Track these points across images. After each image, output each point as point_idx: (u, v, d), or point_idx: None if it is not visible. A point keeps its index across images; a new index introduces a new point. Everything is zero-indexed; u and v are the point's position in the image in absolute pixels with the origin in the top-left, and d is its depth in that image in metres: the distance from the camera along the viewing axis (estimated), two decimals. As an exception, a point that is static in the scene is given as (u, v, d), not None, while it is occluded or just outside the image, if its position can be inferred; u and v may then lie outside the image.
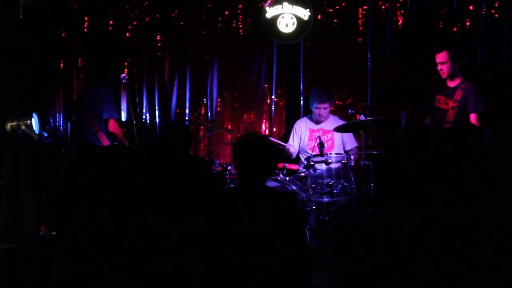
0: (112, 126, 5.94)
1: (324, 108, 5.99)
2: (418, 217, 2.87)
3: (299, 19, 6.60)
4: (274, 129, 6.93)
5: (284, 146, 6.09)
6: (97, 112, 5.92)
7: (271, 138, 6.14)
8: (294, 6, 6.60)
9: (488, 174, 2.82)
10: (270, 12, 6.64)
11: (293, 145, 6.17)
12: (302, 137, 6.18)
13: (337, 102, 6.71)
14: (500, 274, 2.59)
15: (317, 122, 6.12)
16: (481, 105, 5.39)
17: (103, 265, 3.62)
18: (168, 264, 4.08)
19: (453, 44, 5.63)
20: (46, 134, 6.05)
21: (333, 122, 6.00)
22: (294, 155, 6.18)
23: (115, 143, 5.81)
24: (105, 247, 3.66)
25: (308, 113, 6.35)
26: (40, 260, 3.94)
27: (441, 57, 5.53)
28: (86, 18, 6.92)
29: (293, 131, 6.27)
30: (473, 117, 5.38)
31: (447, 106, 5.52)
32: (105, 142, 5.78)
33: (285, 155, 6.09)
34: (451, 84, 5.55)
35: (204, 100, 6.93)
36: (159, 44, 6.98)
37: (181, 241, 4.01)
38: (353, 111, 5.90)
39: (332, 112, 6.20)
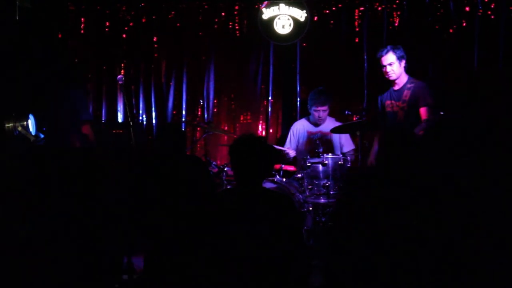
0: (86, 128, 5.83)
1: (324, 111, 6.00)
2: (418, 217, 2.88)
3: (295, 21, 6.61)
4: (271, 130, 6.93)
5: (284, 150, 6.08)
6: (74, 114, 5.84)
7: (274, 146, 6.13)
8: (291, 7, 6.62)
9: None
10: (266, 13, 6.65)
11: (291, 148, 6.16)
12: (299, 139, 6.18)
13: (334, 103, 6.71)
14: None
15: (316, 124, 6.12)
16: (430, 98, 5.32)
17: (102, 265, 3.62)
18: (165, 264, 4.09)
19: (394, 44, 5.57)
20: (42, 136, 6.04)
21: (330, 124, 6.00)
22: (291, 158, 6.18)
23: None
24: (103, 247, 3.67)
25: (305, 114, 6.35)
26: (36, 262, 3.93)
27: (387, 59, 5.44)
28: (82, 19, 6.92)
29: (291, 132, 6.28)
30: (422, 111, 5.30)
31: (397, 108, 5.49)
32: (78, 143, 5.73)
33: (284, 158, 6.09)
34: (397, 87, 5.51)
35: (201, 101, 6.94)
36: (155, 45, 6.99)
37: (178, 241, 4.01)
38: (349, 112, 5.91)
39: (329, 114, 6.20)
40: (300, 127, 6.22)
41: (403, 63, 5.45)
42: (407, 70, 5.54)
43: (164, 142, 4.47)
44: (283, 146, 6.27)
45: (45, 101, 5.96)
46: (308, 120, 6.19)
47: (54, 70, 6.15)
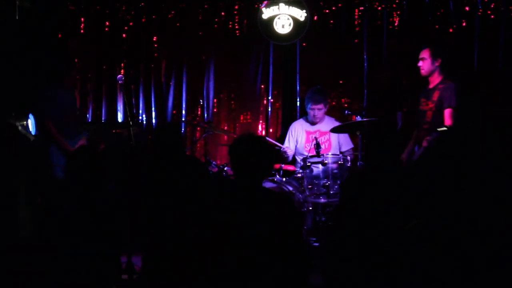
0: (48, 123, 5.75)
1: (319, 109, 5.99)
2: (418, 217, 2.88)
3: (295, 20, 6.61)
4: (271, 130, 6.93)
5: (281, 147, 6.09)
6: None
7: (268, 139, 6.15)
8: (290, 7, 6.62)
9: None
10: (266, 13, 6.65)
11: (289, 147, 6.17)
12: (298, 139, 6.18)
13: (333, 103, 6.72)
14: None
15: (313, 123, 6.12)
16: (454, 101, 5.33)
17: (101, 265, 3.62)
18: (165, 264, 4.09)
19: (438, 43, 5.60)
20: (42, 135, 6.03)
21: (329, 123, 6.00)
22: (290, 157, 6.18)
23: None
24: (101, 247, 3.67)
25: (304, 114, 6.35)
26: (37, 261, 3.93)
27: (422, 53, 5.52)
28: (82, 19, 6.92)
29: (289, 133, 6.28)
30: (446, 113, 5.32)
31: (427, 107, 5.52)
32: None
33: (282, 157, 6.09)
34: (431, 85, 5.54)
35: (201, 101, 6.94)
36: (155, 45, 6.98)
37: (177, 241, 4.01)
38: (349, 112, 5.91)
39: (328, 113, 6.20)
40: (299, 127, 6.22)
41: (437, 62, 5.46)
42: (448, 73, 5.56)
43: (162, 142, 4.45)
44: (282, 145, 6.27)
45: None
46: (307, 120, 6.19)
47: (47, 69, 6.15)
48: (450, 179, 2.80)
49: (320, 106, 5.99)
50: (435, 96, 5.42)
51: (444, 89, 5.40)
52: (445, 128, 5.21)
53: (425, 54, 5.51)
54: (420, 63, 5.53)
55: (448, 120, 5.30)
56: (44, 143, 5.74)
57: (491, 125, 3.30)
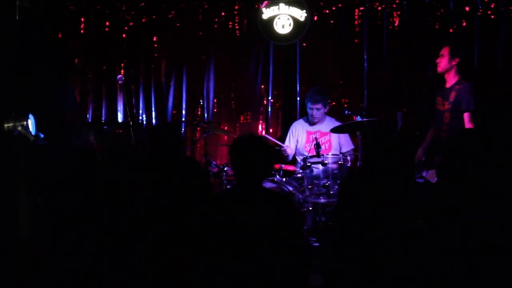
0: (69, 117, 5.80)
1: (317, 109, 5.99)
2: (419, 218, 2.87)
3: (295, 20, 6.61)
4: (271, 130, 6.93)
5: (282, 146, 6.09)
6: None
7: (268, 136, 6.16)
8: (291, 7, 6.62)
9: None
10: (266, 13, 6.65)
11: (289, 147, 6.17)
12: (299, 139, 6.18)
13: (334, 103, 6.72)
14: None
15: (312, 123, 6.12)
16: (473, 103, 5.31)
17: (100, 266, 3.62)
18: (166, 265, 4.08)
19: (458, 42, 5.60)
20: (42, 136, 6.04)
21: (330, 124, 5.99)
22: (290, 157, 6.18)
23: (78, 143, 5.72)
24: (101, 247, 3.66)
25: (304, 114, 6.35)
26: (37, 261, 3.93)
27: (442, 50, 5.50)
28: (82, 19, 6.93)
29: (290, 132, 6.27)
30: (466, 117, 5.32)
31: (443, 107, 5.51)
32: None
33: (282, 157, 6.09)
34: (448, 84, 5.52)
35: (201, 101, 6.94)
36: (155, 45, 6.99)
37: (177, 243, 4.01)
38: (349, 112, 5.90)
39: (329, 113, 6.20)
40: (299, 127, 6.22)
41: (454, 61, 5.42)
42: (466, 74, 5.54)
43: (160, 144, 4.44)
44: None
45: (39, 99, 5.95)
46: (307, 120, 6.19)
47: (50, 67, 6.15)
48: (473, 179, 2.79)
49: (319, 106, 5.98)
50: (452, 96, 5.38)
51: (461, 90, 5.36)
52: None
53: (444, 51, 5.48)
54: (438, 60, 5.51)
55: (468, 124, 5.28)
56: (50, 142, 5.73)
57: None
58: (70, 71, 6.01)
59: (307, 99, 6.05)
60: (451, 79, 5.48)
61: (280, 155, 6.07)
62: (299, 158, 6.05)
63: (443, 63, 5.48)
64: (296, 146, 6.19)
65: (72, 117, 5.77)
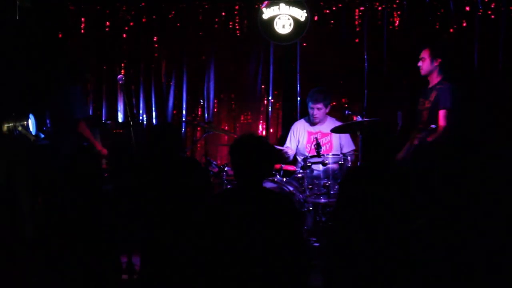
0: (82, 126, 5.70)
1: (318, 109, 5.98)
2: (419, 217, 2.88)
3: (295, 20, 6.61)
4: (271, 130, 6.93)
5: (283, 150, 6.08)
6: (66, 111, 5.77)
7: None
8: (291, 7, 6.61)
9: None
10: (266, 13, 6.65)
11: (290, 147, 6.16)
12: (300, 139, 6.18)
13: (334, 103, 6.71)
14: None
15: (313, 123, 6.12)
16: (449, 102, 5.33)
17: (100, 266, 3.62)
18: (166, 265, 4.09)
19: (439, 43, 5.61)
20: (43, 135, 6.04)
21: (331, 124, 5.98)
22: (291, 157, 6.18)
23: (85, 143, 5.68)
24: (101, 248, 3.67)
25: (305, 114, 6.35)
26: (37, 261, 3.93)
27: (422, 53, 5.55)
28: (82, 19, 6.93)
29: (291, 132, 6.27)
30: (440, 114, 5.33)
31: (423, 106, 5.53)
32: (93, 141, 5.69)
33: (283, 157, 6.08)
34: (430, 85, 5.55)
35: (201, 101, 6.94)
36: (155, 45, 6.99)
37: (177, 242, 4.01)
38: (349, 112, 5.90)
39: (329, 113, 6.20)
40: (301, 127, 6.22)
41: (436, 62, 5.47)
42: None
43: (158, 144, 4.43)
44: (283, 146, 6.27)
45: (42, 100, 5.94)
46: (308, 120, 6.19)
47: (54, 68, 6.14)
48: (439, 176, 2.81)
49: (320, 105, 5.97)
50: (432, 96, 5.43)
51: (442, 89, 5.40)
52: (434, 127, 5.22)
53: (424, 54, 5.53)
54: (420, 63, 5.56)
55: (442, 121, 5.30)
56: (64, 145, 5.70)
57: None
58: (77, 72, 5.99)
59: (308, 99, 6.05)
60: (433, 80, 5.54)
61: (281, 155, 6.07)
62: (299, 158, 6.05)
63: (425, 66, 5.53)
64: (297, 146, 6.19)
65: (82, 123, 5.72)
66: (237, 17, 6.91)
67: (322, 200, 5.43)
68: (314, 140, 5.66)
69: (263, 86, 6.96)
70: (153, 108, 6.99)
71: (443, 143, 5.06)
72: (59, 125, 5.81)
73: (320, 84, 6.35)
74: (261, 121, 7.00)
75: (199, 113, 7.01)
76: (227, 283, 3.04)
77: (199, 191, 4.23)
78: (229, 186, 5.59)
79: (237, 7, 6.89)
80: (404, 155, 5.57)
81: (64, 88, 5.79)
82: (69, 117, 5.66)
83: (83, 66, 6.10)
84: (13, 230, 5.84)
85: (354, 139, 6.14)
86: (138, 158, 5.26)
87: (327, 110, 6.08)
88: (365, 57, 6.69)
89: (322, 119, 6.09)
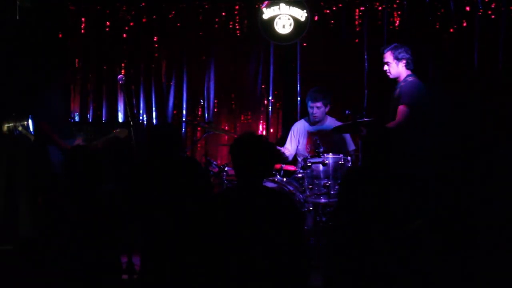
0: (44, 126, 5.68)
1: (318, 107, 5.97)
2: (418, 217, 2.88)
3: (296, 20, 6.61)
4: (271, 130, 6.93)
5: (280, 150, 6.06)
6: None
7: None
8: (291, 7, 6.61)
9: None
10: (267, 13, 6.65)
11: (288, 148, 6.14)
12: (300, 139, 6.17)
13: (334, 103, 6.72)
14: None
15: (313, 123, 6.11)
16: (409, 98, 5.10)
17: (99, 265, 3.62)
18: (164, 264, 4.09)
19: (397, 44, 5.47)
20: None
21: (331, 124, 5.98)
22: (290, 157, 6.18)
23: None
24: (101, 248, 3.66)
25: (305, 114, 6.34)
26: (37, 261, 3.94)
27: (385, 57, 5.35)
28: (83, 19, 6.93)
29: (291, 133, 6.27)
30: (399, 109, 5.11)
31: (392, 104, 5.33)
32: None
33: (283, 157, 6.07)
34: (399, 83, 5.38)
35: (201, 101, 6.94)
36: (156, 45, 6.99)
37: (176, 241, 4.01)
38: (349, 112, 5.89)
39: (329, 113, 6.19)
40: (301, 127, 6.22)
41: (402, 63, 5.29)
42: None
43: (158, 144, 4.43)
44: (283, 146, 6.26)
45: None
46: (308, 120, 6.19)
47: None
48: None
49: (319, 104, 5.96)
50: (396, 92, 5.27)
51: (403, 86, 5.22)
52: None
53: (387, 57, 5.34)
54: (385, 68, 5.36)
55: (398, 116, 5.10)
56: (42, 143, 5.72)
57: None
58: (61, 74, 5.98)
59: (308, 98, 6.04)
60: (401, 78, 5.33)
61: (281, 155, 6.06)
62: (299, 158, 6.05)
63: (392, 70, 5.33)
64: (297, 147, 6.18)
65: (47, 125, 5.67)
66: (237, 17, 6.91)
67: (322, 200, 5.42)
68: (315, 140, 5.66)
69: (263, 86, 6.96)
70: (153, 108, 6.99)
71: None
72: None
73: (320, 84, 6.35)
74: (261, 121, 7.00)
75: (199, 113, 7.01)
76: (227, 283, 3.04)
77: (199, 191, 4.23)
78: (229, 186, 5.59)
79: (237, 7, 6.90)
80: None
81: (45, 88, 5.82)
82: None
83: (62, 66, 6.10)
84: (10, 230, 5.86)
85: (354, 139, 6.13)
86: (138, 158, 5.25)
87: (327, 109, 6.07)
88: (365, 57, 6.69)
89: (322, 119, 6.08)
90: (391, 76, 5.37)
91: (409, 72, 5.33)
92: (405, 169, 3.06)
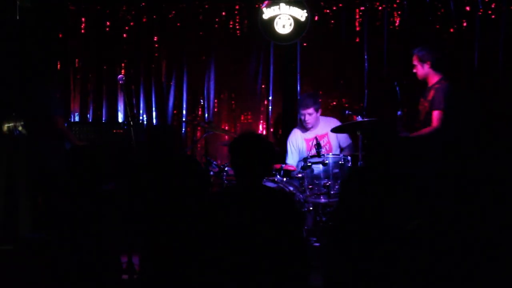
0: (61, 123, 5.81)
1: (309, 114, 5.91)
2: (418, 217, 2.88)
3: (296, 20, 6.61)
4: (271, 130, 6.93)
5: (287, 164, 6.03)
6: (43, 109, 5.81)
7: None
8: (291, 7, 6.61)
9: None
10: (267, 13, 6.65)
11: (292, 164, 6.05)
12: (300, 148, 6.12)
13: (334, 103, 6.72)
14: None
15: (307, 129, 6.07)
16: (443, 102, 5.29)
17: (99, 265, 3.62)
18: (164, 264, 4.09)
19: (423, 46, 5.59)
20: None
21: (326, 124, 5.96)
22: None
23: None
24: (101, 248, 3.67)
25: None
26: (37, 261, 3.94)
27: (412, 60, 5.56)
28: (83, 19, 6.93)
29: (289, 146, 6.19)
30: (434, 115, 5.31)
31: (422, 106, 5.52)
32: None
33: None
34: (429, 84, 5.54)
35: (201, 101, 6.94)
36: (156, 45, 6.99)
37: (176, 241, 4.01)
38: (349, 112, 5.89)
39: (329, 113, 6.18)
40: (297, 137, 6.14)
41: (427, 65, 5.47)
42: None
43: (158, 144, 4.43)
44: (283, 157, 6.21)
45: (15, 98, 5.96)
46: (301, 127, 6.14)
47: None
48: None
49: (310, 110, 5.90)
50: (430, 95, 5.42)
51: (438, 89, 5.38)
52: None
53: (414, 61, 5.55)
54: (414, 70, 5.57)
55: (435, 122, 5.28)
56: (39, 142, 5.74)
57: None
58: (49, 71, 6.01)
59: (298, 106, 6.01)
60: (431, 80, 5.51)
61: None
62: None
63: (418, 71, 5.54)
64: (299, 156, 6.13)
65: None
66: (237, 17, 6.91)
67: (322, 200, 5.42)
68: (314, 139, 5.64)
69: (263, 86, 6.96)
70: (153, 108, 6.99)
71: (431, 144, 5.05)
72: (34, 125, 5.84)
73: (321, 84, 6.35)
74: (261, 121, 7.00)
75: (199, 113, 7.01)
76: (227, 282, 3.04)
77: (199, 191, 4.23)
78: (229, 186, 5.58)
79: (237, 7, 6.90)
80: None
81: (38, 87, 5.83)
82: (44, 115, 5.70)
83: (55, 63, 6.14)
84: (10, 230, 5.86)
85: (354, 139, 6.13)
86: (138, 158, 5.25)
87: (319, 114, 6.02)
88: (366, 56, 6.69)
89: (315, 123, 6.04)
90: (420, 78, 5.57)
91: (439, 74, 5.48)
92: (405, 169, 3.05)
